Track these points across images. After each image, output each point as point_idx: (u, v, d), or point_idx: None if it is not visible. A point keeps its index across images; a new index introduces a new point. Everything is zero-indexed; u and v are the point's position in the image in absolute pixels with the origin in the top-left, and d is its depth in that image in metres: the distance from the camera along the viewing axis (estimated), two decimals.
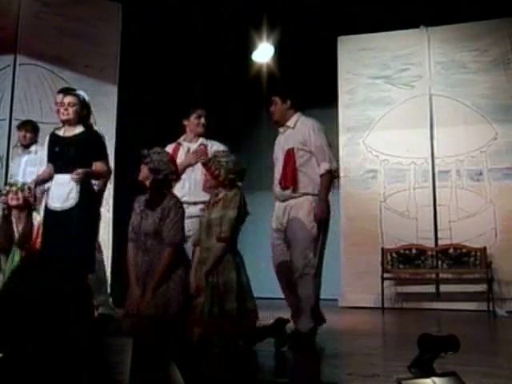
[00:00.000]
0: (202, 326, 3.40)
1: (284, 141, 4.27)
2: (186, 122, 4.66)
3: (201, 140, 4.63)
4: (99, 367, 1.26)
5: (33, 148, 5.56)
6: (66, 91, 4.52)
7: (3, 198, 4.59)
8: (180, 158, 4.47)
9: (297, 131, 4.22)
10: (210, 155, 4.38)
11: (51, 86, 6.03)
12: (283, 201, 4.18)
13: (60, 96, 4.47)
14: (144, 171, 3.79)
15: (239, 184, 3.76)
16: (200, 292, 3.46)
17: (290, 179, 4.11)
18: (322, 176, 4.13)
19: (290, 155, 4.15)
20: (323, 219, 4.09)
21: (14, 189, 4.50)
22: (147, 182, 3.79)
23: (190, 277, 3.57)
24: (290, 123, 4.27)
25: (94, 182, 4.37)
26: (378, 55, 8.17)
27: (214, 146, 4.57)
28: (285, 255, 4.14)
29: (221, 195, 3.62)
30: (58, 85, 6.57)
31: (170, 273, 3.57)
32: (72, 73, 6.89)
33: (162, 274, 3.55)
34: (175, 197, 3.83)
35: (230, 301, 3.43)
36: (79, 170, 4.05)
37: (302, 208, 4.10)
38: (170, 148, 4.60)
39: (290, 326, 3.97)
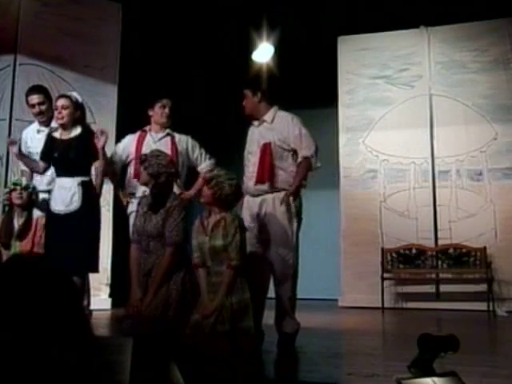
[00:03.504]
0: (210, 344, 3.35)
1: (259, 135, 4.07)
2: (150, 113, 4.56)
3: (167, 131, 4.53)
4: (99, 367, 1.26)
5: (54, 124, 4.60)
6: (60, 95, 4.56)
7: (7, 195, 4.64)
8: (148, 146, 4.35)
9: (275, 126, 4.04)
10: (179, 148, 4.40)
11: (51, 86, 5.99)
12: (258, 195, 3.98)
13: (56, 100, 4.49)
14: (144, 176, 3.75)
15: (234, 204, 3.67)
16: (212, 314, 3.38)
17: (268, 174, 3.92)
18: (299, 164, 3.94)
19: (266, 150, 3.96)
20: (297, 211, 3.92)
21: (18, 188, 4.55)
22: (148, 186, 3.77)
23: (201, 300, 3.48)
24: (267, 118, 4.09)
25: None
26: (378, 55, 8.17)
27: (182, 139, 4.52)
28: (258, 254, 3.92)
29: (218, 216, 3.55)
30: (58, 85, 6.57)
31: (170, 273, 3.56)
32: (72, 73, 6.89)
33: (163, 275, 3.54)
34: (178, 197, 3.81)
35: (247, 319, 3.40)
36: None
37: (279, 204, 3.88)
38: (135, 136, 4.53)
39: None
